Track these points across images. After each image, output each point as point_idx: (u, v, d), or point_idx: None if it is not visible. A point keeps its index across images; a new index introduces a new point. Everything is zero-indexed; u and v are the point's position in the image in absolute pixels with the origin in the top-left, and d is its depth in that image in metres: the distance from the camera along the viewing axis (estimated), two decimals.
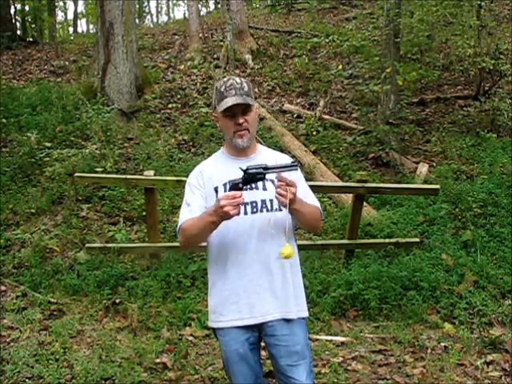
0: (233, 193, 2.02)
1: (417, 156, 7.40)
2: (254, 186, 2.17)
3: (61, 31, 26.51)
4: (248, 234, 2.17)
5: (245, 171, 2.07)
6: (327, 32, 11.02)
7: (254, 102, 2.25)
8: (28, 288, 4.70)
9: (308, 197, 2.27)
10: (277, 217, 2.16)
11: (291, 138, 7.44)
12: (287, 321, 2.20)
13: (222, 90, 2.18)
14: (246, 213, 2.16)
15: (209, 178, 2.25)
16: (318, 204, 2.30)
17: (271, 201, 2.17)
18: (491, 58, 7.74)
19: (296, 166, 2.10)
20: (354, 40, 8.65)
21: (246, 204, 2.14)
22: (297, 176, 2.24)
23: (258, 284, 2.18)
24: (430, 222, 5.50)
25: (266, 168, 2.07)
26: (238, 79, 2.23)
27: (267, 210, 2.18)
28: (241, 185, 2.06)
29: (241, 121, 2.18)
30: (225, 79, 2.24)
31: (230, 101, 2.15)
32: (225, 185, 2.21)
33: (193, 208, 2.21)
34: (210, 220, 2.07)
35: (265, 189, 2.21)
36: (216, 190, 2.22)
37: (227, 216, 2.00)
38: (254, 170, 2.06)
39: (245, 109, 2.19)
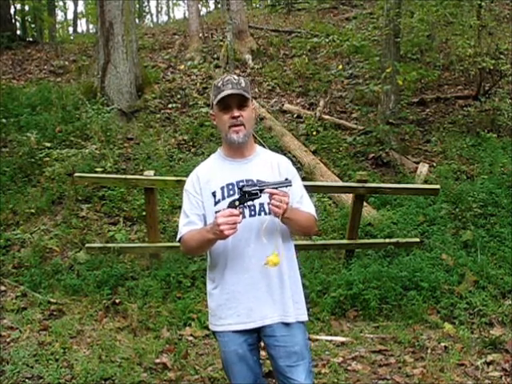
0: (229, 210, 2.03)
1: (417, 156, 7.40)
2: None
3: (61, 31, 26.54)
4: (246, 237, 2.17)
5: (240, 189, 2.08)
6: (327, 32, 11.06)
7: (251, 99, 2.24)
8: (28, 288, 4.70)
9: (303, 201, 2.27)
10: (274, 220, 2.15)
11: (291, 138, 7.43)
12: (286, 324, 2.20)
13: (219, 85, 2.19)
14: (244, 216, 2.15)
15: (206, 183, 2.24)
16: (312, 210, 2.29)
17: (269, 204, 2.17)
18: (491, 57, 7.74)
19: (290, 183, 2.11)
20: (354, 40, 8.68)
21: (244, 207, 2.15)
22: (293, 177, 2.24)
23: (257, 288, 2.18)
24: (430, 222, 5.50)
25: (261, 185, 2.09)
26: (235, 76, 2.23)
27: (265, 213, 2.18)
28: (237, 202, 2.07)
29: (236, 114, 2.16)
30: (222, 76, 2.25)
31: (225, 92, 2.15)
32: (222, 188, 2.21)
33: (191, 219, 2.23)
34: (207, 237, 2.09)
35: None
36: (214, 194, 2.22)
37: (222, 236, 2.01)
38: (250, 188, 2.08)
39: (240, 103, 2.18)
